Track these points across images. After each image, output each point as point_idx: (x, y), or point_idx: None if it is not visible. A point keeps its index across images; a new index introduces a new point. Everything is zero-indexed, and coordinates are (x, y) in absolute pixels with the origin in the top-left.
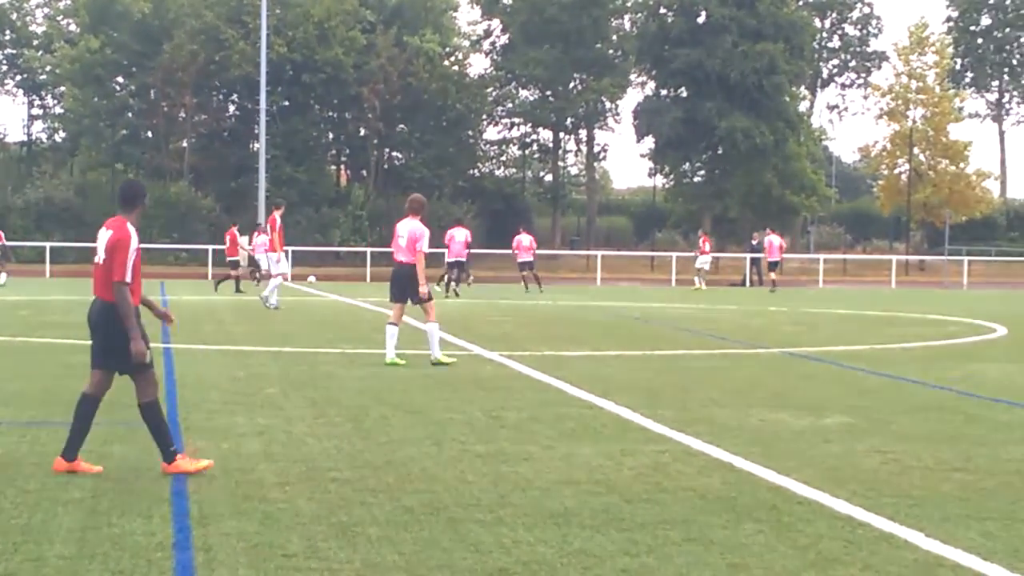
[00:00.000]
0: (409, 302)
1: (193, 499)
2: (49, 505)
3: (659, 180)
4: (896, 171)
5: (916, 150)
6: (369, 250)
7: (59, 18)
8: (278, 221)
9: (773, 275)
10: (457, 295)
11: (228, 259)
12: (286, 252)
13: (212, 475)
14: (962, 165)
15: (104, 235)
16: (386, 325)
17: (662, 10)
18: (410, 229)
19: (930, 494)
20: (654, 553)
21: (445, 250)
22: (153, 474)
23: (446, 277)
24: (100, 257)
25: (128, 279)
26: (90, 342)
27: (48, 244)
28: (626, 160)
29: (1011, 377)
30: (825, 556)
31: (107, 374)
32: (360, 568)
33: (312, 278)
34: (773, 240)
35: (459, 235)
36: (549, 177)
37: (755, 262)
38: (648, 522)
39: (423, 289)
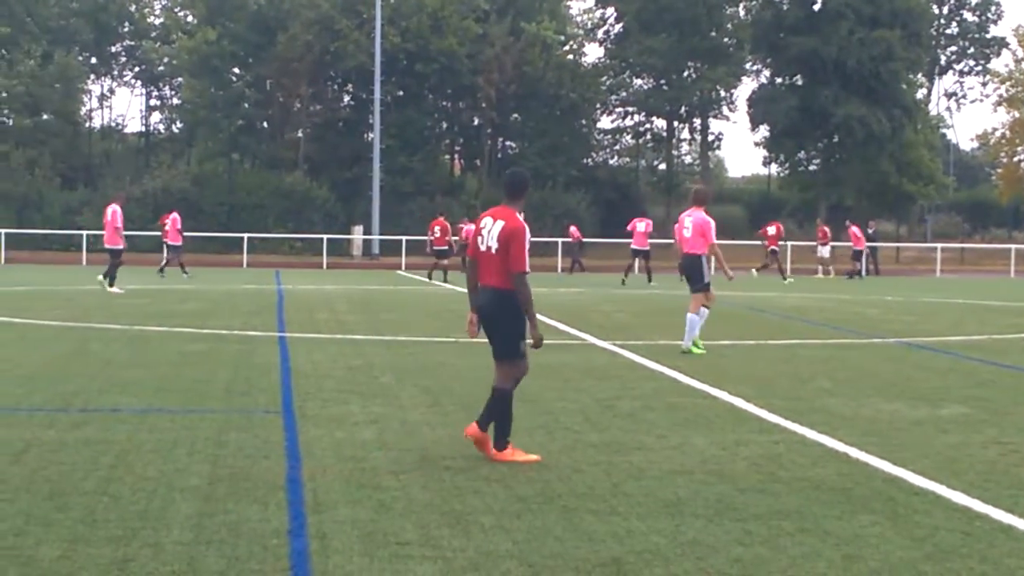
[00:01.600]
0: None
1: (308, 487)
2: (166, 492)
3: (774, 168)
4: (1016, 159)
5: None
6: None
7: (176, 10)
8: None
9: (858, 264)
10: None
11: (435, 248)
12: None
13: (327, 463)
14: None
15: (495, 225)
16: (687, 315)
17: None
18: (695, 220)
19: None
20: (768, 544)
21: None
22: (269, 462)
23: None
24: (491, 247)
25: (528, 269)
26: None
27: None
28: (741, 148)
29: None
30: (942, 548)
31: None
32: (474, 556)
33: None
34: (855, 231)
35: (640, 226)
36: (663, 166)
37: (872, 251)
38: (762, 512)
39: (715, 279)
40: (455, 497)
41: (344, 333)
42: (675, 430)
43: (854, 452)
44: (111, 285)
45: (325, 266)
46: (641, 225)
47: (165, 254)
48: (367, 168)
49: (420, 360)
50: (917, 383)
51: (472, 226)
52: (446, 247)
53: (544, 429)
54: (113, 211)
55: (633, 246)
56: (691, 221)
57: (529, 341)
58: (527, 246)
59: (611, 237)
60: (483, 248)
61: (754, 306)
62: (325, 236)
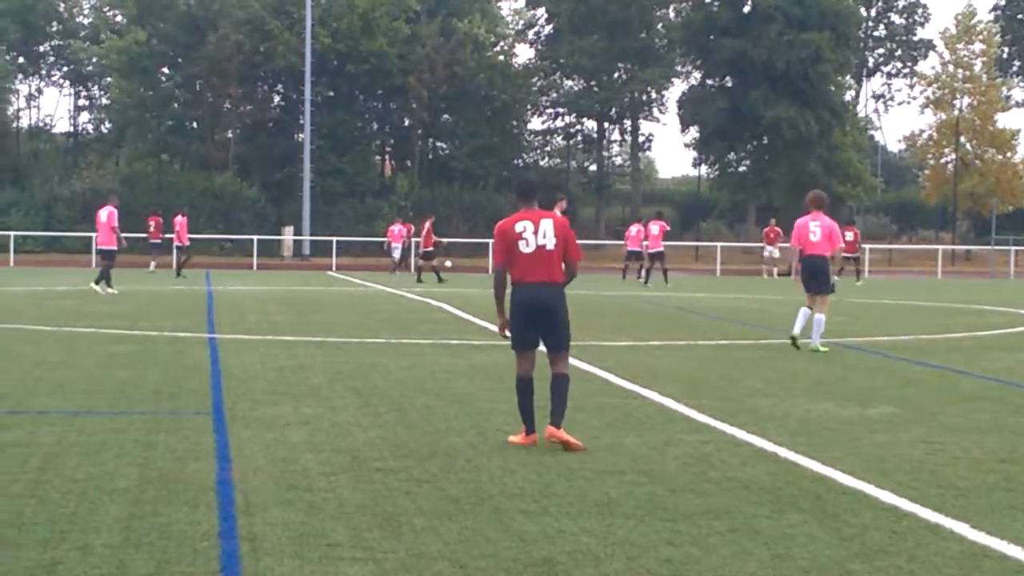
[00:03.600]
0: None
1: (239, 488)
2: (96, 494)
3: (704, 170)
4: (942, 160)
5: (963, 139)
6: (414, 240)
7: (106, 9)
8: None
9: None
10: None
11: (423, 250)
12: None
13: (257, 465)
14: (1009, 154)
15: (544, 223)
16: (814, 316)
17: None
18: (825, 224)
19: (976, 485)
20: (698, 543)
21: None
22: (199, 464)
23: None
24: (546, 244)
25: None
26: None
27: (94, 234)
28: (671, 150)
29: None
30: (870, 547)
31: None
32: (405, 558)
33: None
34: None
35: (654, 228)
36: (594, 167)
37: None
38: (692, 512)
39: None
40: (386, 498)
41: (275, 334)
42: (606, 430)
43: (783, 452)
44: (109, 286)
45: (255, 267)
46: (655, 228)
47: (156, 254)
48: (297, 169)
49: (351, 361)
50: (846, 383)
51: (398, 227)
52: (432, 248)
53: (475, 429)
54: (110, 212)
55: (650, 249)
56: (820, 226)
57: None
58: None
59: None
60: (531, 249)
61: (684, 306)
62: (255, 237)
